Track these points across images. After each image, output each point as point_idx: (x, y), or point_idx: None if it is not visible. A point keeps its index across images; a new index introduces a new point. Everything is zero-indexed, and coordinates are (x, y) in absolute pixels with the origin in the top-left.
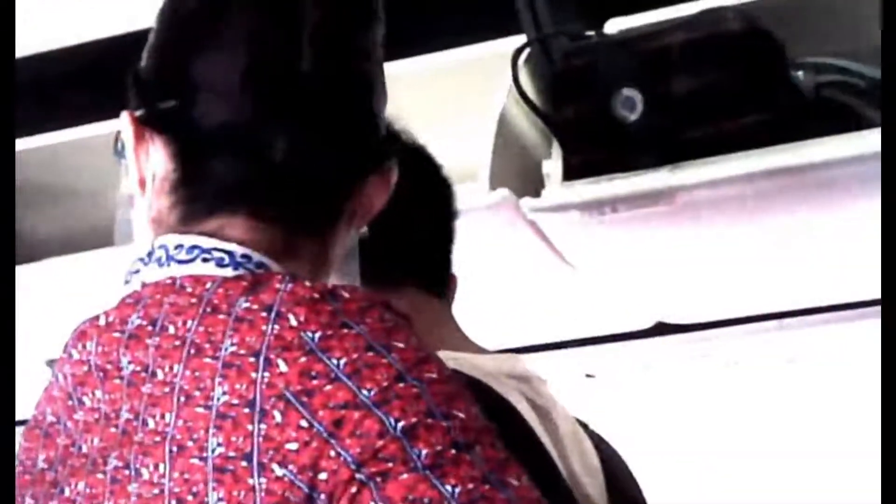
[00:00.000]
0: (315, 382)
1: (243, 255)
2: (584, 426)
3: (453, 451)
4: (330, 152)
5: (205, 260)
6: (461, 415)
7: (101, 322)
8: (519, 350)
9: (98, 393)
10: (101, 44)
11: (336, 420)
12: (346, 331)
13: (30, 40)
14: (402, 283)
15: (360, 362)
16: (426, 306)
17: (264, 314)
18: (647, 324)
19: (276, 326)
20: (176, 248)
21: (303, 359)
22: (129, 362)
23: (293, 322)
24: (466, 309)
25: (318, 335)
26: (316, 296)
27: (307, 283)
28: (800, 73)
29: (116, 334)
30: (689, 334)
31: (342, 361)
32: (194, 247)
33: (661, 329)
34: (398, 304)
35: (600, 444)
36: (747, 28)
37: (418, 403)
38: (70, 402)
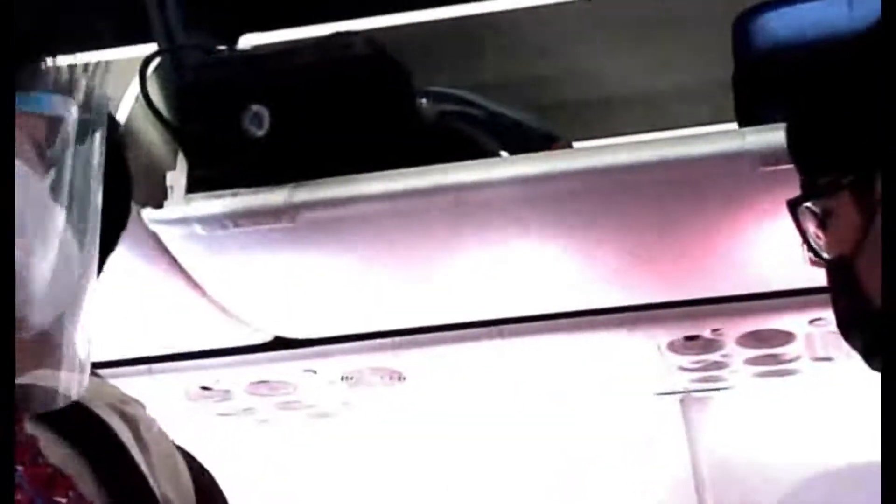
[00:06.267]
0: None
1: None
2: (182, 450)
3: None
4: None
5: None
6: None
7: None
8: (119, 364)
9: None
10: None
11: None
12: None
13: None
14: None
15: None
16: None
17: None
18: (265, 338)
19: None
20: None
21: None
22: None
23: None
24: None
25: None
26: None
27: None
28: (423, 101)
29: None
30: (305, 349)
31: None
32: None
33: (281, 343)
34: None
35: (192, 464)
36: (374, 54)
37: None
38: None
